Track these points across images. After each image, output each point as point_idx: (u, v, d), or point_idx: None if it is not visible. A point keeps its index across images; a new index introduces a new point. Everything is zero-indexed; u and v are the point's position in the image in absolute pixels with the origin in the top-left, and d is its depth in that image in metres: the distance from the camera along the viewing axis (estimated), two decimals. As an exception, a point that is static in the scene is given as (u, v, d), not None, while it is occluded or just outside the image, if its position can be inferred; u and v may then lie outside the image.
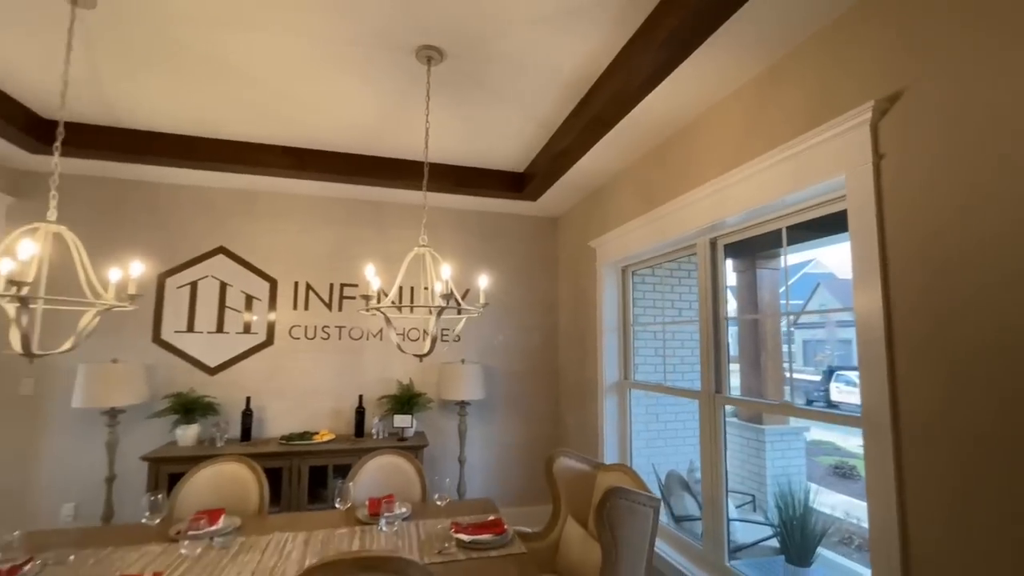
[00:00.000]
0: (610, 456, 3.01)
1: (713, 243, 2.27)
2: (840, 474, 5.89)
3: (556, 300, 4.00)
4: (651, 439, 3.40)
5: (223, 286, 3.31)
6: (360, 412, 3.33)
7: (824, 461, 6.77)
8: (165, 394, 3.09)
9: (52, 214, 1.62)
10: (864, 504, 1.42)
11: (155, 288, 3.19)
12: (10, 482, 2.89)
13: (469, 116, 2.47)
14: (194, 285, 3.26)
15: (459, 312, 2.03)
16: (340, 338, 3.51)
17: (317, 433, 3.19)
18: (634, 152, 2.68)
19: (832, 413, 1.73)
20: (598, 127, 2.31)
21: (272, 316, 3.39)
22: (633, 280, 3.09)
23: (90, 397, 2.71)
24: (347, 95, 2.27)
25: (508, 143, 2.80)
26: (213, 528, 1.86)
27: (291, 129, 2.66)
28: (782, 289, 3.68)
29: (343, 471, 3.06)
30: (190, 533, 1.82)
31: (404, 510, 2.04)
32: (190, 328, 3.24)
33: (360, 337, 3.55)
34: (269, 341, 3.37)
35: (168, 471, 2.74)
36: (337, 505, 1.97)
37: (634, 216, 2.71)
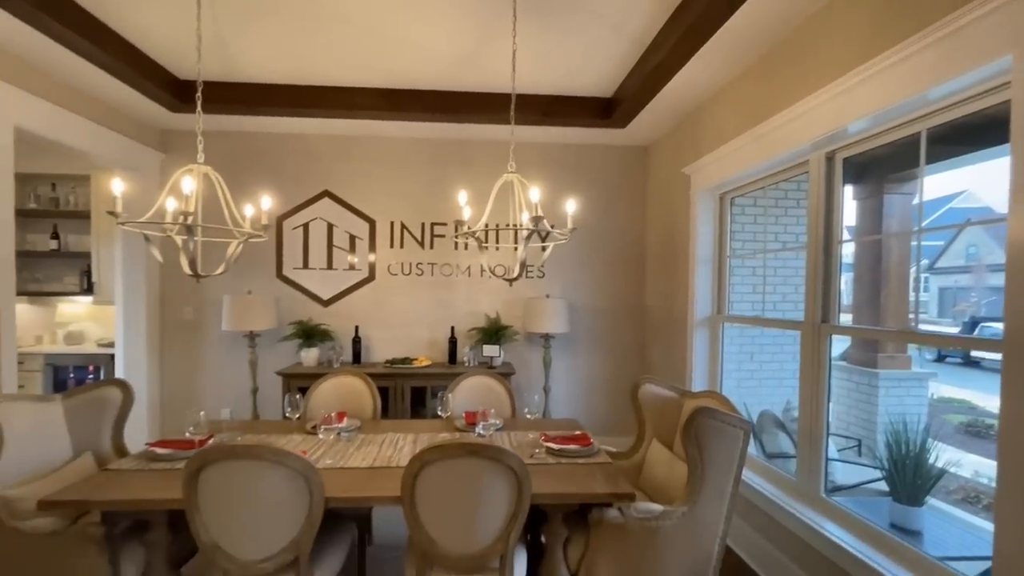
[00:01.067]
0: (698, 391, 2.99)
1: (830, 157, 2.03)
2: (973, 432, 5.26)
3: (643, 233, 3.88)
4: (743, 378, 3.29)
5: (329, 227, 3.69)
6: (452, 342, 3.62)
7: (955, 419, 6.06)
8: (289, 322, 3.60)
9: (201, 157, 1.91)
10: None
11: (275, 229, 3.64)
12: (183, 390, 3.63)
13: (556, 40, 2.39)
14: (306, 226, 3.67)
15: (543, 240, 2.07)
16: (432, 274, 3.77)
17: (416, 359, 3.54)
18: (735, 65, 2.42)
19: (965, 338, 1.54)
20: (695, 38, 2.12)
21: (372, 254, 3.73)
22: (731, 209, 2.90)
23: (234, 322, 3.26)
24: (436, 26, 2.31)
25: (597, 65, 2.68)
26: (339, 425, 2.21)
27: (385, 71, 2.78)
28: (916, 228, 3.21)
29: (440, 392, 3.40)
30: (323, 427, 2.19)
31: (497, 422, 2.24)
32: (305, 265, 3.68)
33: (451, 273, 3.78)
34: (371, 277, 3.73)
35: (297, 384, 3.24)
36: (439, 413, 2.22)
37: (735, 135, 2.49)
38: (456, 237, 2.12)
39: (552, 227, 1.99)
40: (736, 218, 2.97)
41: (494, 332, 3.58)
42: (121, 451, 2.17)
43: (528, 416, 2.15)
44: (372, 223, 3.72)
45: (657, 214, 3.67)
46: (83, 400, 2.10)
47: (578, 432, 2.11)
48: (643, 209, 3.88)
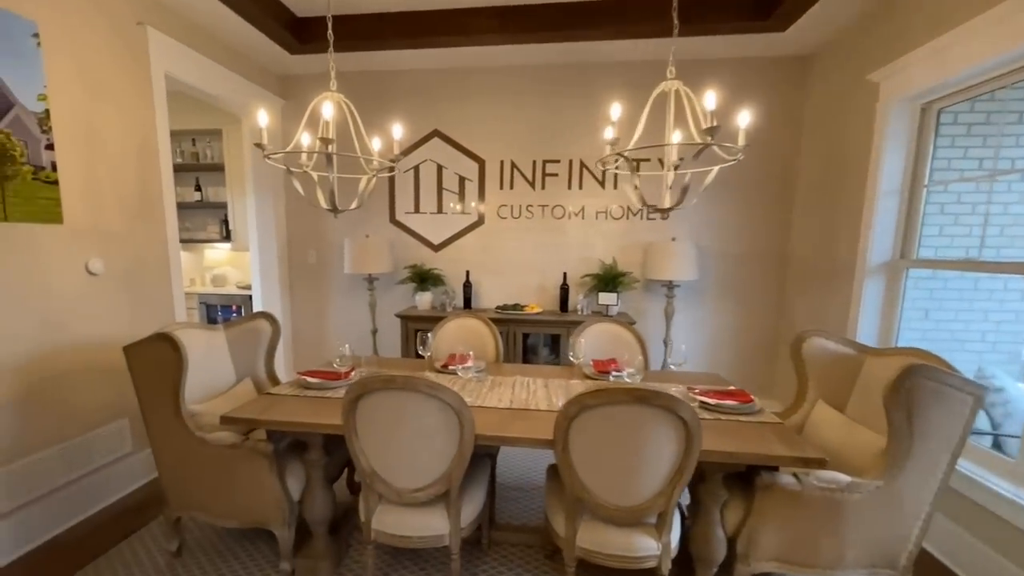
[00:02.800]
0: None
1: None
2: None
3: (794, 165, 3.34)
4: (929, 333, 2.73)
5: (439, 169, 3.66)
6: (564, 289, 3.49)
7: None
8: (403, 266, 3.72)
9: (333, 85, 1.88)
10: None
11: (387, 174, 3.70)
12: (310, 329, 3.96)
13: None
14: (416, 169, 3.68)
15: (696, 157, 1.79)
16: (543, 216, 3.63)
17: (527, 306, 3.48)
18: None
19: None
20: None
21: (481, 197, 3.66)
22: (937, 124, 2.32)
23: (354, 264, 3.42)
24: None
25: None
26: (467, 365, 2.21)
27: (498, -18, 2.55)
28: None
29: (551, 341, 3.32)
30: (451, 367, 2.21)
31: (632, 370, 2.10)
32: (416, 209, 3.73)
33: (562, 216, 3.60)
34: (480, 221, 3.69)
35: (414, 327, 3.36)
36: (571, 359, 2.12)
37: (967, 18, 1.92)
38: (601, 165, 1.91)
39: (694, 159, 1.70)
40: (942, 130, 2.36)
41: (610, 279, 3.39)
42: (274, 378, 2.38)
43: (673, 367, 1.97)
44: (481, 163, 3.62)
45: (817, 140, 3.11)
46: (241, 331, 2.31)
47: (732, 387, 1.90)
48: (797, 135, 3.31)
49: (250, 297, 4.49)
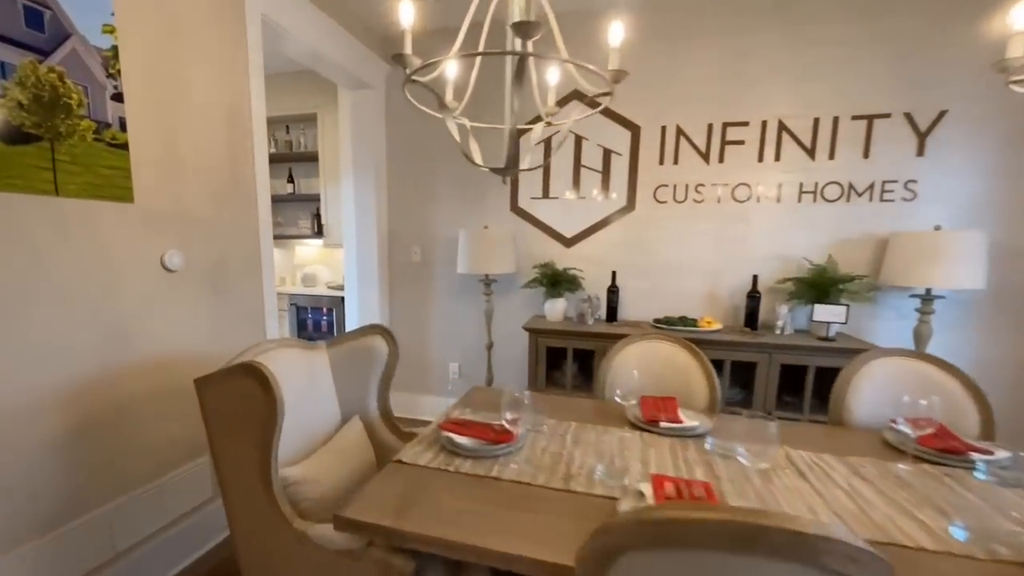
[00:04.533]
0: None
1: None
2: None
3: None
4: None
5: (578, 140, 2.93)
6: (754, 298, 2.60)
7: None
8: (526, 265, 3.02)
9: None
10: None
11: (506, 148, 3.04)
12: (412, 341, 3.39)
13: None
14: (547, 142, 2.98)
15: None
16: (719, 200, 2.76)
17: (699, 320, 2.63)
18: None
19: None
20: None
21: (633, 175, 2.87)
22: None
23: (472, 262, 2.77)
24: None
25: None
26: (684, 425, 1.43)
27: None
28: None
29: (740, 372, 2.44)
30: (664, 423, 1.44)
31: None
32: (545, 194, 3.02)
33: (747, 199, 2.72)
34: (630, 206, 2.90)
35: (546, 343, 2.64)
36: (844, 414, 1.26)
37: None
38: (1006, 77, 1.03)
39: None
40: None
41: (826, 285, 2.44)
42: (388, 416, 1.75)
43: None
44: (636, 130, 2.84)
45: None
46: (348, 350, 1.70)
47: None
48: None
49: (342, 299, 4.05)
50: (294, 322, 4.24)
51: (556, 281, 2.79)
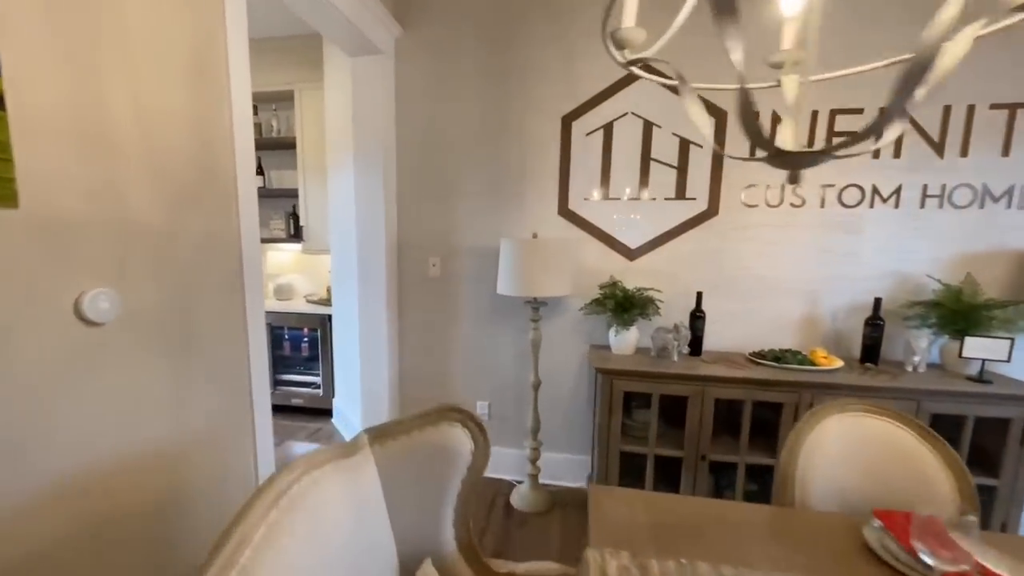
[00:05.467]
0: None
1: None
2: None
3: None
4: None
5: (647, 127, 2.32)
6: (876, 325, 2.09)
7: None
8: (576, 283, 2.40)
9: None
10: None
11: (558, 138, 2.40)
12: (428, 369, 2.70)
13: None
14: (608, 129, 2.35)
15: None
16: (822, 205, 2.23)
17: (808, 354, 2.10)
18: None
19: None
20: None
21: (717, 172, 2.29)
22: None
23: (518, 282, 2.11)
24: None
25: None
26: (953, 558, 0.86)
27: None
28: None
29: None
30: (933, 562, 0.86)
31: None
32: (604, 194, 2.40)
33: (858, 202, 2.20)
34: (712, 210, 2.32)
35: (623, 387, 2.03)
36: None
37: None
38: None
39: None
40: None
41: (970, 309, 1.96)
42: (474, 556, 1.09)
43: None
44: (722, 116, 2.26)
45: None
46: (407, 451, 1.03)
47: None
48: None
49: (328, 318, 3.30)
50: (267, 344, 3.43)
51: (628, 305, 2.18)
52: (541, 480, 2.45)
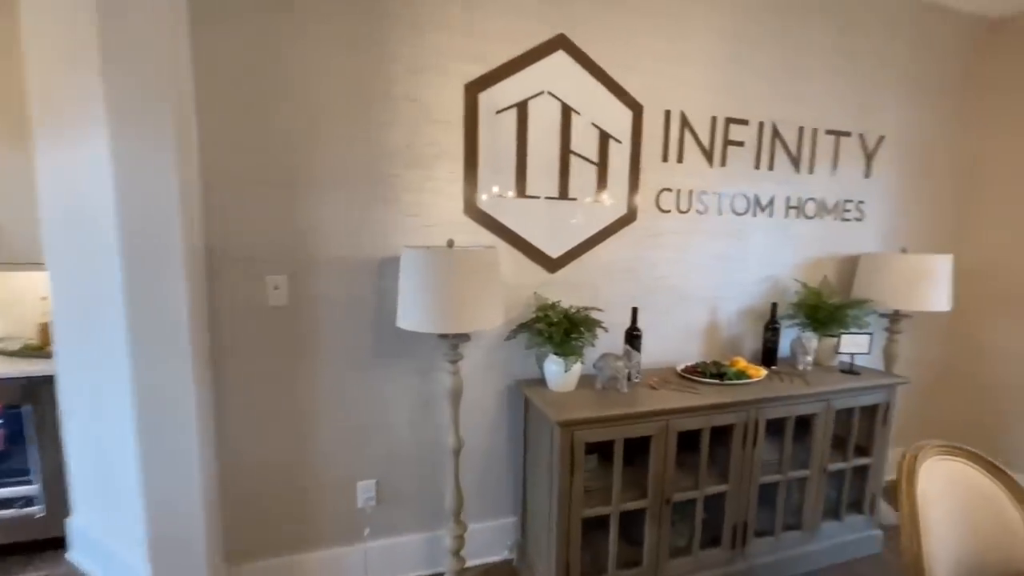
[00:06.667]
0: None
1: None
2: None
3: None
4: None
5: (566, 113, 1.91)
6: (774, 330, 2.17)
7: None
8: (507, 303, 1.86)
9: None
10: None
11: (462, 113, 1.79)
12: (273, 448, 1.74)
13: None
14: (522, 110, 1.85)
15: None
16: (720, 212, 2.22)
17: (730, 362, 2.05)
18: None
19: None
20: None
21: (634, 172, 2.05)
22: None
23: (433, 313, 1.45)
24: None
25: None
26: None
27: None
28: None
29: (781, 429, 1.94)
30: None
31: None
32: (520, 190, 1.90)
33: (744, 211, 2.26)
34: (631, 215, 2.07)
35: (586, 437, 1.59)
36: None
37: None
38: None
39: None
40: None
41: (828, 310, 2.20)
42: None
43: None
44: (638, 111, 2.02)
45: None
46: None
47: None
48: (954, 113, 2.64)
49: (46, 381, 1.93)
50: None
51: (571, 330, 1.74)
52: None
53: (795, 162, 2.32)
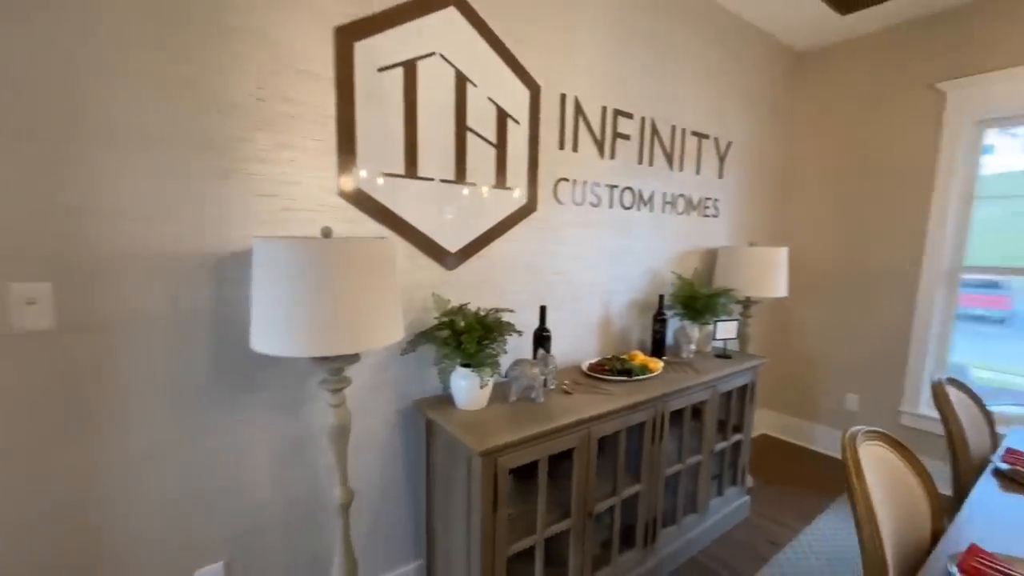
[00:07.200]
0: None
1: None
2: None
3: (799, 160, 3.16)
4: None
5: (460, 82, 1.62)
6: (662, 320, 2.22)
7: None
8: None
9: None
10: None
11: (333, 64, 1.37)
12: (52, 532, 1.10)
13: None
14: (410, 71, 1.51)
15: None
16: (611, 206, 2.19)
17: (628, 355, 2.01)
18: None
19: None
20: None
21: (533, 158, 1.86)
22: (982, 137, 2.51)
23: (314, 331, 1.05)
24: None
25: None
26: None
27: None
28: None
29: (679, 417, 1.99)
30: None
31: None
32: (410, 168, 1.55)
33: (631, 205, 2.27)
34: (531, 206, 1.89)
35: (509, 465, 1.34)
36: None
37: None
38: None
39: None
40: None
41: (703, 301, 2.35)
42: None
43: None
44: (535, 90, 1.83)
45: (836, 140, 3.00)
46: None
47: None
48: (794, 132, 3.15)
49: None
50: None
51: (483, 338, 1.46)
52: (350, 652, 1.40)
53: (669, 160, 2.41)
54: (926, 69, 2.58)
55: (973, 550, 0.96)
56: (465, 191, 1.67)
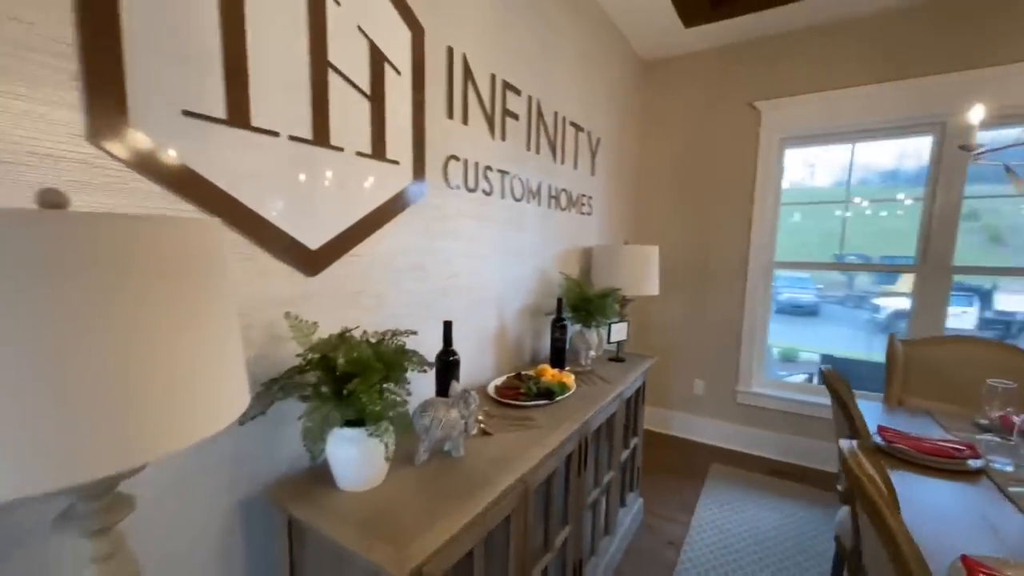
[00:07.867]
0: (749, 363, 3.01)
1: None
2: None
3: (645, 162, 3.31)
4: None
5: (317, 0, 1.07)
6: (562, 327, 1.96)
7: None
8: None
9: None
10: None
11: None
12: None
13: None
14: (234, -54, 0.90)
15: None
16: (503, 195, 1.85)
17: (536, 369, 1.70)
18: None
19: None
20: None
21: (419, 118, 1.40)
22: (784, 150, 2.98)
23: (19, 440, 0.45)
24: None
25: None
26: None
27: None
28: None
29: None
30: None
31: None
32: (235, 109, 0.93)
33: (521, 197, 1.97)
34: (419, 188, 1.41)
35: (435, 573, 0.87)
36: None
37: (859, 83, 2.55)
38: (977, 162, 1.25)
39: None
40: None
41: (595, 301, 2.19)
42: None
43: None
44: (418, 32, 1.37)
45: (676, 144, 3.21)
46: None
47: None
48: (646, 134, 3.30)
49: None
50: None
51: (388, 379, 0.94)
52: None
53: (553, 150, 2.19)
54: (746, 88, 2.91)
55: (970, 565, 0.88)
56: (328, 158, 1.12)
